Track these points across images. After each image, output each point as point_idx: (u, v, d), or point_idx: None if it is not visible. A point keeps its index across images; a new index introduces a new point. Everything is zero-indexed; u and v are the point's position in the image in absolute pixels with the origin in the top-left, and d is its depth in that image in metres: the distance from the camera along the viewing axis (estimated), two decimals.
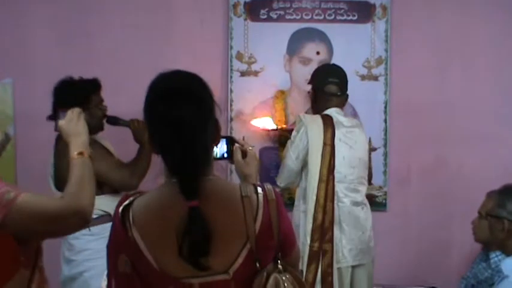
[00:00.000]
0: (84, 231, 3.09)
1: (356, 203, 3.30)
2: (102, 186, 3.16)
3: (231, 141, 2.00)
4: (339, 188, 3.26)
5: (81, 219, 1.87)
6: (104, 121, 3.33)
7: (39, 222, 1.81)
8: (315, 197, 3.21)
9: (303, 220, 3.27)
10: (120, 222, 1.53)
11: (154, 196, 1.58)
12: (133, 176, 3.16)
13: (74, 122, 2.15)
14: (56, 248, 3.21)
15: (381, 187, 3.98)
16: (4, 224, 1.74)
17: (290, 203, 3.64)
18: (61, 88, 3.18)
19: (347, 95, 3.45)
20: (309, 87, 3.54)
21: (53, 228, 1.87)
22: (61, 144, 3.00)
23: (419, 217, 4.04)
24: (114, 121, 3.36)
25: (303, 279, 3.13)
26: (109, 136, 3.39)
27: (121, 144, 3.39)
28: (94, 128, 3.26)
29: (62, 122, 2.15)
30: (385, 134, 3.99)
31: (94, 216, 2.92)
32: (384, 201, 4.00)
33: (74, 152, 2.05)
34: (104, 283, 1.68)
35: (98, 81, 3.28)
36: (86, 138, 2.13)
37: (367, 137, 3.47)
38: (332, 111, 3.35)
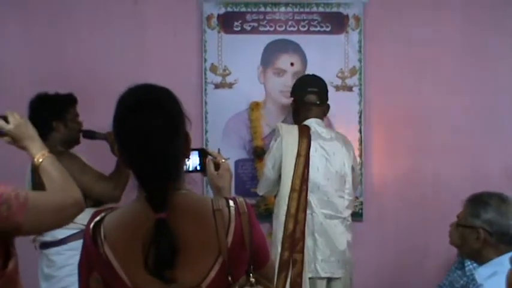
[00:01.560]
0: (66, 246, 3.11)
1: (329, 216, 3.29)
2: (85, 200, 3.14)
3: (203, 154, 1.98)
4: (312, 198, 3.26)
5: (79, 209, 1.94)
6: (80, 135, 3.31)
7: (49, 216, 1.86)
8: (285, 207, 3.21)
9: (275, 229, 3.27)
10: (91, 239, 1.52)
11: (126, 211, 1.57)
12: (116, 188, 3.15)
13: (23, 125, 2.07)
14: (31, 264, 3.18)
15: (356, 197, 3.98)
16: (23, 223, 1.78)
17: (266, 214, 3.64)
18: (37, 101, 3.17)
19: (328, 105, 3.46)
20: (284, 99, 3.56)
21: (57, 221, 1.92)
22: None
23: (395, 226, 4.06)
24: (91, 135, 3.34)
25: None
26: (83, 151, 3.37)
27: (96, 158, 3.36)
28: (71, 141, 3.25)
29: (9, 127, 2.05)
30: (360, 144, 4.00)
31: (75, 230, 2.93)
32: (360, 211, 4.00)
33: (37, 155, 2.02)
34: None
35: (73, 96, 3.29)
36: (41, 141, 2.09)
37: (350, 151, 3.44)
38: (312, 122, 3.36)
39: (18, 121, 2.07)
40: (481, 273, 2.45)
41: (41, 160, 2.01)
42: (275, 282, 3.10)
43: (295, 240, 3.20)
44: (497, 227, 2.45)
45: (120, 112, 1.54)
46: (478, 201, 2.53)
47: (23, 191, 1.83)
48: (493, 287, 2.29)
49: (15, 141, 2.07)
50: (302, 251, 3.20)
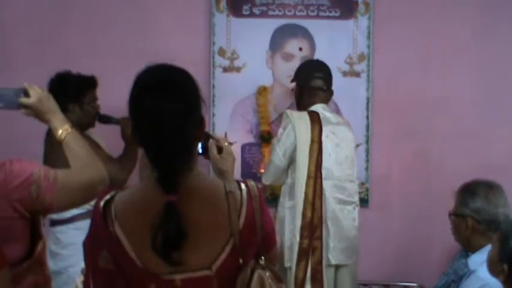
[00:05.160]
0: (72, 225, 3.12)
1: (342, 201, 3.29)
2: None
3: (205, 137, 1.97)
4: (326, 185, 3.24)
5: (105, 186, 1.95)
6: (96, 119, 3.30)
7: (78, 194, 1.90)
8: (303, 194, 3.19)
9: (288, 217, 3.26)
10: (101, 216, 1.52)
11: (137, 191, 1.58)
12: (121, 170, 3.14)
13: (45, 98, 2.05)
14: None
15: (362, 183, 3.97)
16: (53, 203, 1.81)
17: (272, 199, 3.64)
18: (57, 81, 3.15)
19: (332, 91, 3.45)
20: (292, 84, 3.55)
21: (85, 198, 1.96)
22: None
23: (401, 213, 4.06)
24: (106, 119, 3.32)
25: (293, 276, 3.16)
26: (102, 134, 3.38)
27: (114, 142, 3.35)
28: (85, 124, 3.23)
29: (31, 101, 2.02)
30: (367, 131, 3.99)
31: (83, 210, 2.94)
32: (365, 197, 4.00)
33: (61, 129, 2.01)
34: (80, 279, 1.66)
35: (94, 79, 3.26)
36: (62, 115, 2.08)
37: (354, 135, 3.47)
38: (318, 108, 3.35)
39: (39, 94, 2.04)
40: (474, 259, 2.51)
41: (64, 135, 2.00)
42: (294, 272, 3.15)
43: (313, 227, 3.19)
44: (484, 215, 2.52)
45: (137, 91, 1.53)
46: (466, 191, 2.60)
47: (51, 170, 1.84)
48: (486, 272, 2.33)
49: (37, 114, 2.04)
50: (320, 238, 3.20)
